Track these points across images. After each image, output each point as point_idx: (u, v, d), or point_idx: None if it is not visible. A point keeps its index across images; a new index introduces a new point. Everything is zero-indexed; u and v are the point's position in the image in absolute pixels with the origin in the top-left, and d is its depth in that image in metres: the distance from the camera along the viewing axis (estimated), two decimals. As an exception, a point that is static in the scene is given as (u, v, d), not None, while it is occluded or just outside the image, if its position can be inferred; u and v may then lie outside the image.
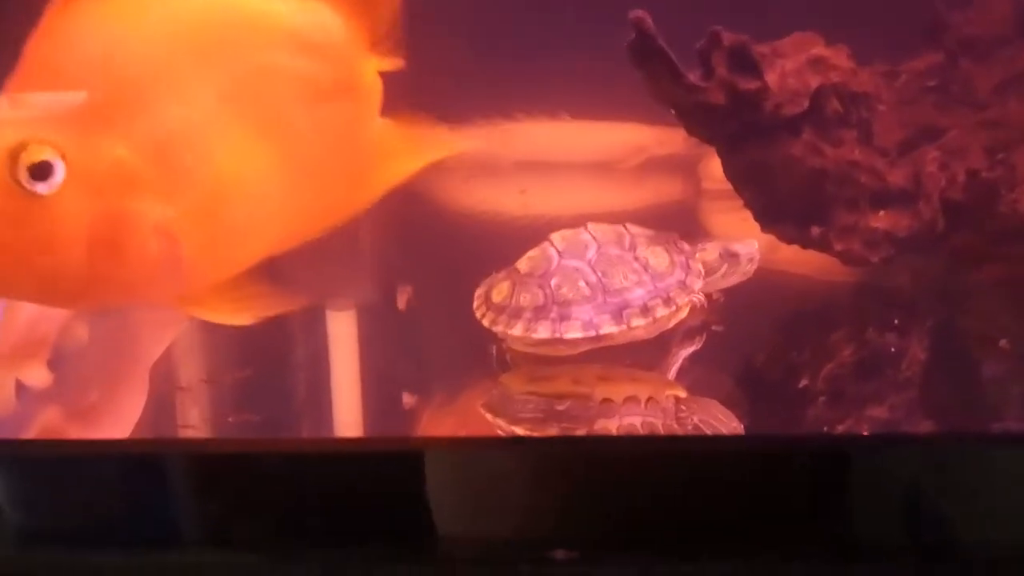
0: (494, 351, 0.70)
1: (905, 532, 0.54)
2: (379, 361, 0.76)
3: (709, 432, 0.61)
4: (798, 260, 0.82)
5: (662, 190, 1.22)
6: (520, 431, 0.61)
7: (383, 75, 0.75)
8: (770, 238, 0.81)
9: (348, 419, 0.70)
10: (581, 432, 0.60)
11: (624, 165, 1.26)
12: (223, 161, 0.59)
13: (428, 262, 1.00)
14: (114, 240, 0.54)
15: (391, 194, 1.31)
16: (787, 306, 0.82)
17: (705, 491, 0.55)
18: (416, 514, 0.54)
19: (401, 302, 0.91)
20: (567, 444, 0.60)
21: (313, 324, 0.83)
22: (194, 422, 0.69)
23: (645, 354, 0.70)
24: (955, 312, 0.82)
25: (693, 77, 0.72)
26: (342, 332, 0.82)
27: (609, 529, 0.55)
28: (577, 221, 0.71)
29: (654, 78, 0.71)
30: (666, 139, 1.23)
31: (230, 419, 0.69)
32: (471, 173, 1.30)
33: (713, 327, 0.73)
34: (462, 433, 0.65)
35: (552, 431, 0.61)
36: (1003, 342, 0.70)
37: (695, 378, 0.70)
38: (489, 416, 0.63)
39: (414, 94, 1.29)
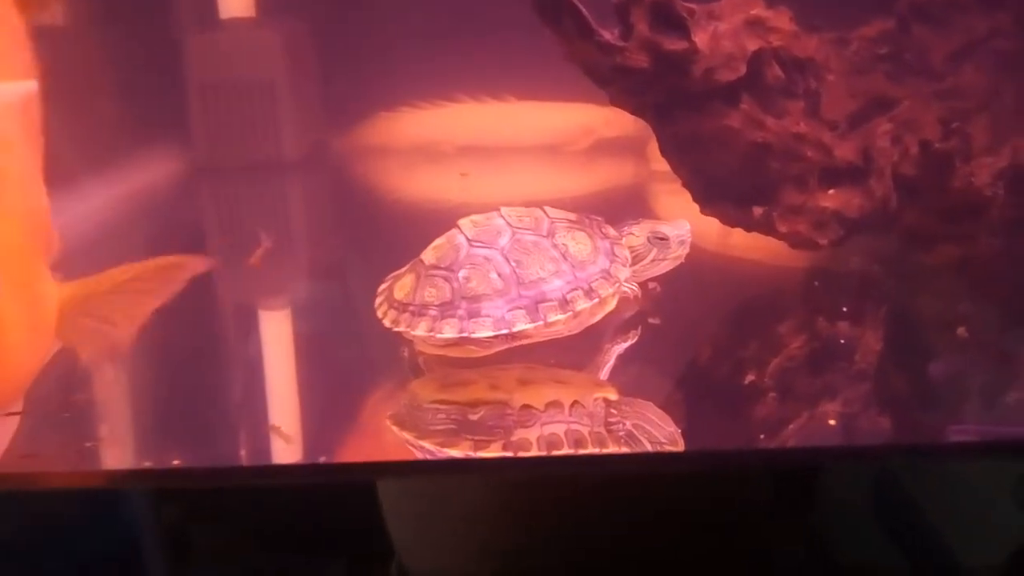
0: (406, 354, 0.63)
1: (868, 550, 0.48)
2: (318, 364, 0.69)
3: (643, 438, 0.55)
4: (754, 245, 0.76)
5: (613, 173, 1.17)
6: (428, 445, 0.54)
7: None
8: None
9: (286, 431, 0.62)
10: (497, 444, 0.54)
11: (573, 148, 1.21)
12: None
13: (365, 253, 0.93)
14: None
15: (324, 181, 1.27)
16: (732, 295, 0.76)
17: (640, 514, 0.49)
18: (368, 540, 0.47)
19: (337, 298, 0.84)
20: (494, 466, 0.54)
21: (245, 325, 0.77)
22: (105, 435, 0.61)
23: (574, 351, 0.63)
24: (910, 298, 0.77)
25: (610, 35, 0.64)
26: (277, 333, 0.75)
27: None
28: (526, 206, 0.64)
29: (565, 36, 0.63)
30: (615, 120, 1.17)
31: (151, 440, 0.61)
32: (412, 159, 1.25)
33: (650, 320, 0.67)
34: (377, 450, 0.58)
35: (464, 444, 0.54)
36: (961, 330, 0.65)
37: (631, 377, 0.63)
38: (395, 429, 0.56)
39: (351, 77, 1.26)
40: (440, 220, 0.64)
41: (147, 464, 0.57)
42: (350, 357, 0.68)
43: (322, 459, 0.55)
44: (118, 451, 0.59)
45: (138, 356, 0.69)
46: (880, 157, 0.72)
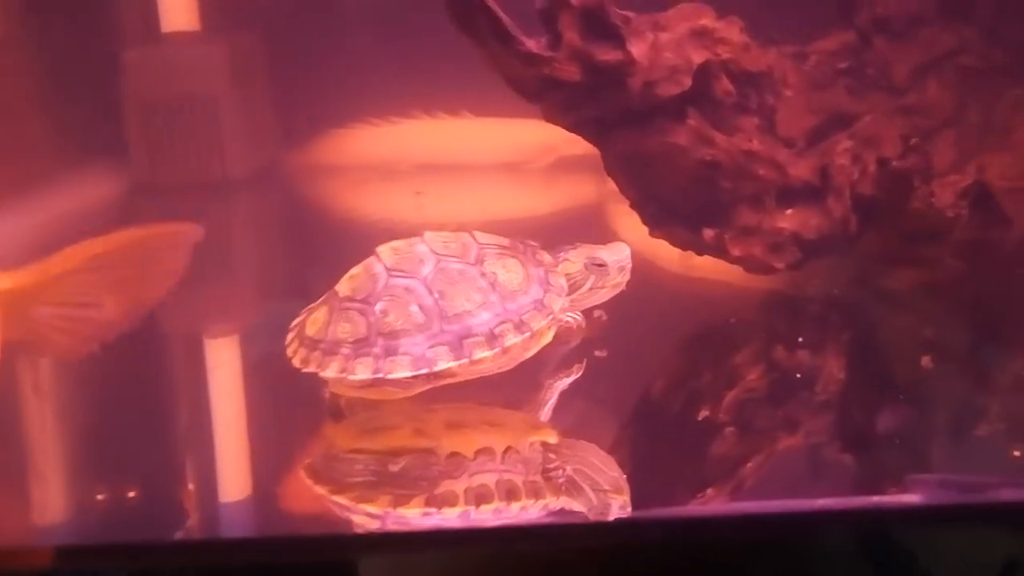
0: (327, 396, 0.57)
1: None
2: (268, 394, 0.64)
3: (586, 485, 0.50)
4: (717, 267, 0.71)
5: (574, 192, 1.13)
6: (343, 500, 0.49)
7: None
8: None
9: (233, 476, 0.56)
10: (419, 499, 0.48)
11: (533, 166, 1.17)
12: None
13: (316, 275, 0.88)
14: None
15: (273, 201, 1.22)
16: (688, 322, 0.72)
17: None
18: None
19: (287, 323, 0.79)
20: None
21: (189, 354, 0.72)
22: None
23: (512, 387, 0.58)
24: (872, 324, 0.72)
25: (535, 45, 0.59)
26: (223, 361, 0.70)
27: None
28: (483, 228, 0.59)
29: (483, 44, 0.58)
30: (577, 138, 1.15)
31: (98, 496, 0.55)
32: (365, 177, 1.21)
33: (596, 352, 0.62)
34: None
35: (383, 499, 0.48)
36: (925, 359, 0.61)
37: (576, 415, 0.59)
38: (309, 482, 0.51)
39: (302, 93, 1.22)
40: (396, 239, 0.59)
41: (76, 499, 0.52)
42: (302, 386, 0.62)
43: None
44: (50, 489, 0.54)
45: (71, 387, 0.63)
46: (839, 175, 0.68)
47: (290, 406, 0.61)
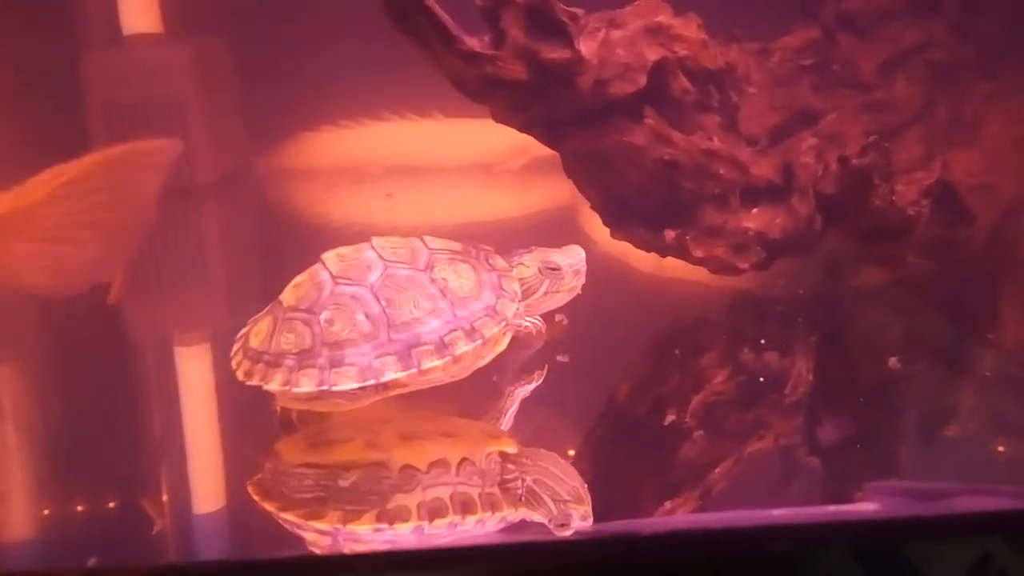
0: (277, 409, 0.55)
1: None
2: (241, 405, 0.61)
3: (546, 495, 0.48)
4: (690, 267, 0.69)
5: (548, 194, 1.11)
6: (292, 518, 0.47)
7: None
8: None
9: (206, 487, 0.55)
10: (370, 514, 0.46)
11: (505, 167, 1.15)
12: None
13: (285, 281, 0.86)
14: None
15: (242, 205, 1.20)
16: (651, 325, 0.70)
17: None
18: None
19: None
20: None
21: (159, 362, 0.69)
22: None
23: (473, 396, 0.57)
24: (840, 325, 0.71)
25: (477, 43, 0.57)
26: (195, 370, 0.68)
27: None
28: (456, 231, 0.57)
29: (422, 42, 0.56)
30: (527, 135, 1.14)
31: (49, 510, 0.53)
32: (335, 180, 1.19)
33: (558, 357, 0.60)
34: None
35: (332, 516, 0.47)
36: (893, 360, 0.60)
37: (538, 423, 0.57)
38: (257, 498, 0.49)
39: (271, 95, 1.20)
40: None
41: (47, 511, 0.50)
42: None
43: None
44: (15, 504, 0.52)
45: (37, 396, 0.61)
46: (803, 174, 0.67)
47: (263, 414, 0.59)
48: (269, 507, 0.48)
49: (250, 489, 0.50)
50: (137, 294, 0.80)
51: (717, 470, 0.52)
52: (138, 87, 1.07)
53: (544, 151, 1.12)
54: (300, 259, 0.93)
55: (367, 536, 0.46)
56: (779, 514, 0.46)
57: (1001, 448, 0.55)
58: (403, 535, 0.46)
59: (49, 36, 1.09)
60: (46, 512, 0.52)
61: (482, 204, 1.12)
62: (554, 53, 0.57)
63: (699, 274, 0.71)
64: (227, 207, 1.11)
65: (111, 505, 0.51)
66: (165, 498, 0.53)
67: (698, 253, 0.64)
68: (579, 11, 0.59)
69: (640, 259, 0.74)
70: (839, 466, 0.53)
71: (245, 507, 0.51)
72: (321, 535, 0.46)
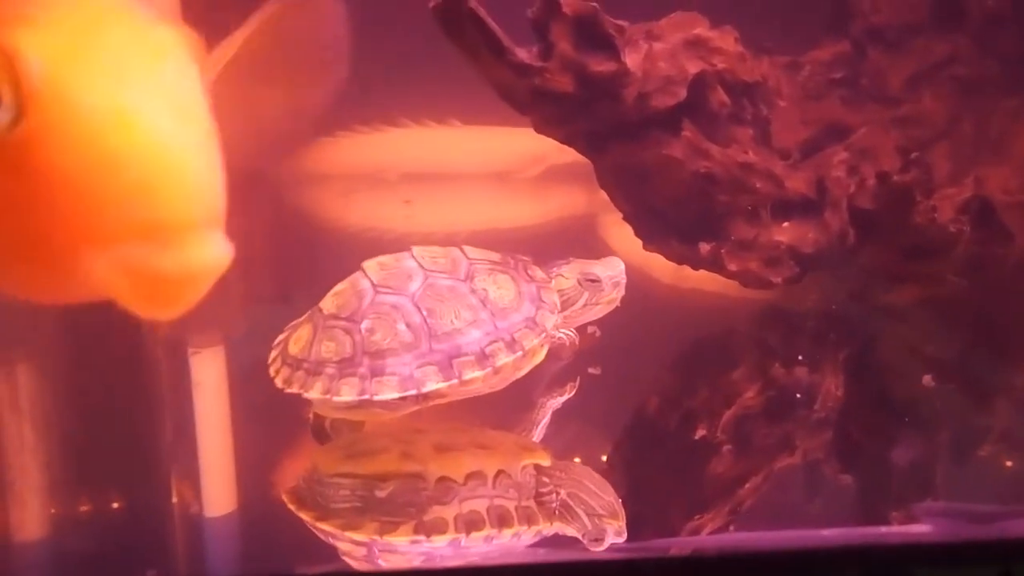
0: (311, 417, 0.55)
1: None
2: (254, 409, 0.61)
3: (580, 510, 0.48)
4: (711, 276, 0.69)
5: (565, 202, 1.11)
6: (329, 528, 0.46)
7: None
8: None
9: (217, 490, 0.54)
10: (407, 526, 0.46)
11: (522, 175, 1.15)
12: None
13: (303, 286, 0.86)
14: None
15: (261, 209, 1.20)
16: (684, 337, 0.70)
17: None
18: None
19: (273, 335, 0.76)
20: None
21: (173, 365, 0.69)
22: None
23: (503, 407, 0.57)
24: (872, 341, 0.71)
25: (526, 55, 0.57)
26: (208, 373, 0.67)
27: None
28: (472, 238, 0.57)
29: (473, 54, 0.56)
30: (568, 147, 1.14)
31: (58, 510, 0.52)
32: (352, 186, 1.19)
33: (589, 370, 0.60)
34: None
35: (370, 526, 0.46)
36: (927, 378, 0.59)
37: (569, 435, 0.57)
38: (292, 507, 0.48)
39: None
40: (383, 251, 0.57)
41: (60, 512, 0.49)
42: (289, 400, 0.60)
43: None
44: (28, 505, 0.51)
45: (49, 398, 0.61)
46: (835, 188, 0.67)
47: (277, 418, 0.59)
48: (305, 516, 0.48)
49: (285, 498, 0.49)
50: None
51: (747, 486, 0.52)
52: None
53: (561, 160, 1.14)
54: (317, 265, 0.93)
55: (403, 548, 0.46)
56: (829, 534, 0.46)
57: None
58: (439, 548, 0.46)
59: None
60: (59, 512, 0.52)
61: (498, 212, 1.11)
62: (601, 66, 0.57)
63: (718, 285, 0.71)
64: (243, 210, 1.11)
65: (121, 506, 0.51)
66: (175, 500, 0.52)
67: (733, 267, 0.64)
68: (625, 23, 0.59)
69: (661, 270, 0.74)
70: (872, 485, 0.53)
71: (255, 511, 0.51)
72: (357, 546, 0.46)
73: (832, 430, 0.58)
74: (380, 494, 0.48)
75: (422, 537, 0.46)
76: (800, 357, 0.64)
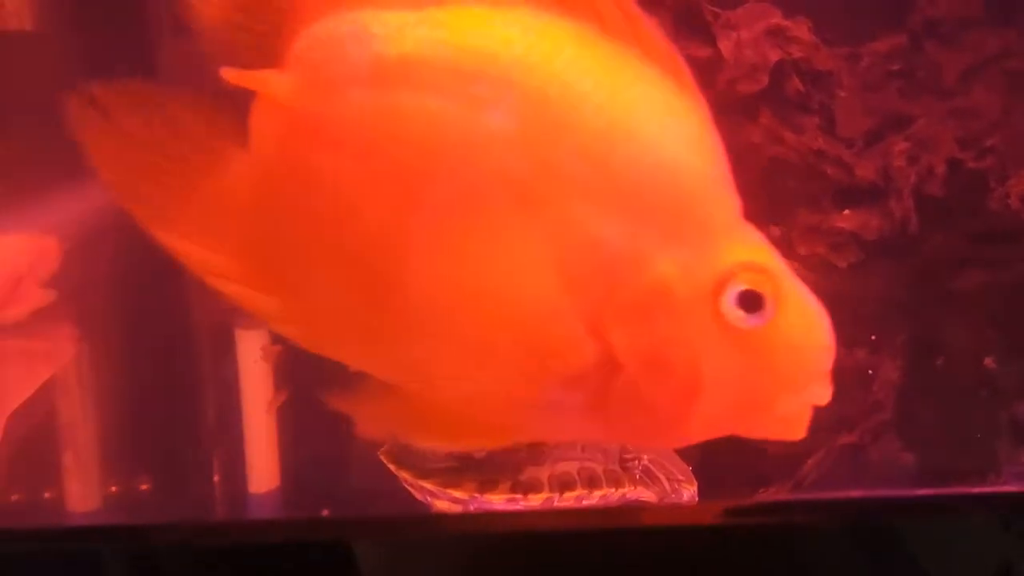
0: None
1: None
2: (299, 389, 0.63)
3: (661, 475, 0.50)
4: None
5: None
6: (429, 486, 0.49)
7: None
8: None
9: (263, 466, 0.56)
10: (505, 484, 0.48)
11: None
12: None
13: None
14: None
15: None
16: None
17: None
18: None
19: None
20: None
21: (220, 345, 0.71)
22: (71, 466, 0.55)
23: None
24: (933, 325, 0.73)
25: None
26: (253, 352, 0.69)
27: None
28: None
29: None
30: None
31: (115, 487, 0.55)
32: None
33: None
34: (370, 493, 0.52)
35: (468, 485, 0.48)
36: (988, 360, 0.62)
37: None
38: (392, 467, 0.50)
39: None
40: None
41: (113, 488, 0.52)
42: (337, 377, 0.62)
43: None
44: (85, 477, 0.54)
45: (104, 375, 0.63)
46: (898, 176, 0.69)
47: (319, 396, 0.61)
48: (404, 475, 0.50)
49: (383, 458, 0.51)
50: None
51: (809, 461, 0.53)
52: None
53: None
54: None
55: (501, 506, 0.48)
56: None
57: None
58: (534, 506, 0.48)
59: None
60: (113, 489, 0.54)
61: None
62: (699, 52, 0.60)
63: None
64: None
65: (168, 482, 0.53)
66: (218, 477, 0.55)
67: (803, 251, 0.66)
68: (718, 10, 0.62)
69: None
70: (930, 465, 0.55)
71: (298, 488, 0.53)
72: (455, 503, 0.48)
73: (888, 411, 0.60)
74: (477, 455, 0.50)
75: (519, 495, 0.48)
76: (854, 337, 0.66)
